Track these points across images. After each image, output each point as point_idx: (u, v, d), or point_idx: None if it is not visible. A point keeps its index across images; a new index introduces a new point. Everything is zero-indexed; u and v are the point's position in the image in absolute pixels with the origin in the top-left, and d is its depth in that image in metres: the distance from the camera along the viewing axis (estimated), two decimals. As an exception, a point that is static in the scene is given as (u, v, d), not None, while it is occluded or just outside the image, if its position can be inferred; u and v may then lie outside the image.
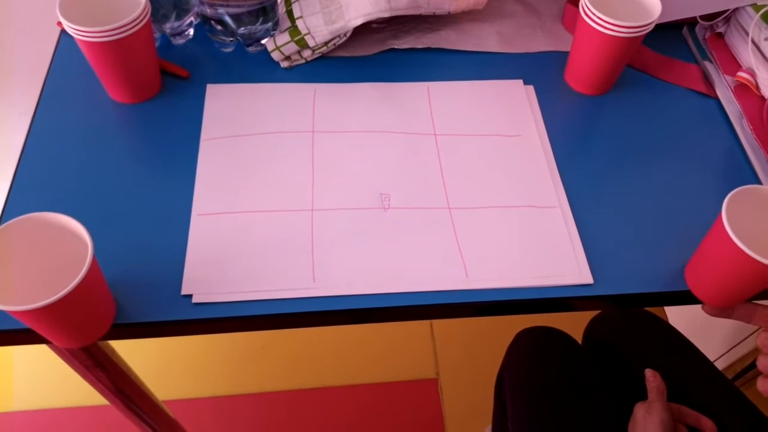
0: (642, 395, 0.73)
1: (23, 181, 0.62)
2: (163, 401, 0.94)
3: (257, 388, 1.30)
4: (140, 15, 0.61)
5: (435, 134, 0.69)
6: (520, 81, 0.74)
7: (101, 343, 0.68)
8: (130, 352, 0.78)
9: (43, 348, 0.55)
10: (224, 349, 1.34)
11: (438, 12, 0.73)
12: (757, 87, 0.71)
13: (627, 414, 0.71)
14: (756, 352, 1.07)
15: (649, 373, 0.73)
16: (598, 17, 0.65)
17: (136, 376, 0.80)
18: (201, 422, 1.25)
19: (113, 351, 0.73)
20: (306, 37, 0.70)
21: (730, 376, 1.13)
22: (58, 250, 0.50)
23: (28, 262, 0.50)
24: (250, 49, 0.74)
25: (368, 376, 1.32)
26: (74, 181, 0.62)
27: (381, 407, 1.28)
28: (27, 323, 0.48)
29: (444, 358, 1.35)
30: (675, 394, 0.72)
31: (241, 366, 1.32)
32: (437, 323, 1.40)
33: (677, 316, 1.33)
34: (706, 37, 0.78)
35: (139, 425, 0.88)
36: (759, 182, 0.66)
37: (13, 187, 0.61)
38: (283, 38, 0.71)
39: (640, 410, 0.69)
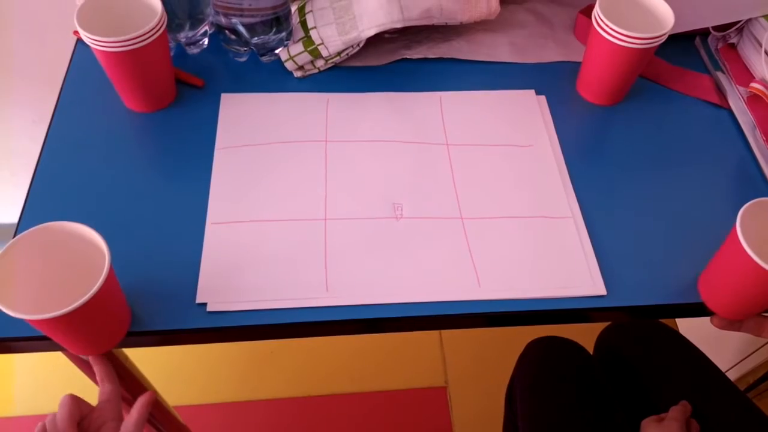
0: (652, 407, 0.72)
1: (40, 190, 0.62)
2: (173, 407, 0.94)
3: (266, 394, 1.30)
4: (156, 25, 0.61)
5: (447, 144, 0.69)
6: (532, 91, 0.74)
7: (115, 350, 0.69)
8: (140, 357, 0.78)
9: (44, 353, 0.56)
10: (234, 356, 1.34)
11: (450, 22, 0.73)
12: (771, 98, 0.70)
13: (637, 426, 0.70)
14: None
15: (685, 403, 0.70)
16: (610, 28, 0.65)
17: (147, 382, 0.80)
18: (210, 428, 1.25)
19: (126, 357, 0.73)
20: (319, 47, 0.71)
21: (742, 387, 1.12)
22: (75, 258, 0.50)
23: (45, 270, 0.50)
24: (264, 58, 0.74)
25: (377, 383, 1.32)
26: (90, 189, 0.63)
27: (390, 415, 1.28)
28: (44, 331, 0.49)
29: (453, 366, 1.35)
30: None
31: (250, 372, 1.33)
32: (447, 331, 1.40)
33: (688, 326, 1.32)
34: (719, 47, 0.78)
35: (150, 431, 0.89)
36: (772, 194, 0.66)
37: (30, 196, 0.62)
38: (296, 48, 0.71)
39: (651, 426, 0.67)
